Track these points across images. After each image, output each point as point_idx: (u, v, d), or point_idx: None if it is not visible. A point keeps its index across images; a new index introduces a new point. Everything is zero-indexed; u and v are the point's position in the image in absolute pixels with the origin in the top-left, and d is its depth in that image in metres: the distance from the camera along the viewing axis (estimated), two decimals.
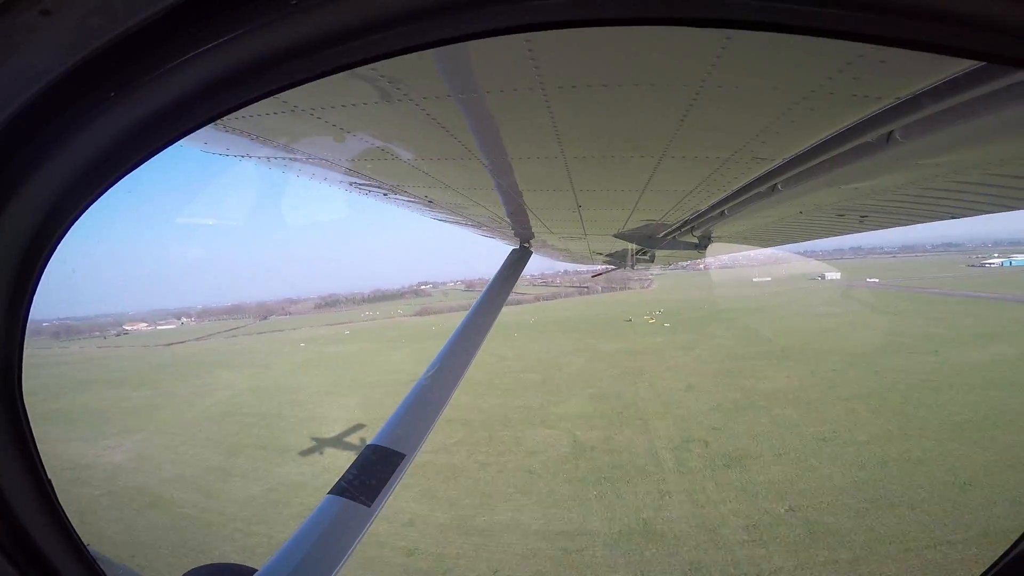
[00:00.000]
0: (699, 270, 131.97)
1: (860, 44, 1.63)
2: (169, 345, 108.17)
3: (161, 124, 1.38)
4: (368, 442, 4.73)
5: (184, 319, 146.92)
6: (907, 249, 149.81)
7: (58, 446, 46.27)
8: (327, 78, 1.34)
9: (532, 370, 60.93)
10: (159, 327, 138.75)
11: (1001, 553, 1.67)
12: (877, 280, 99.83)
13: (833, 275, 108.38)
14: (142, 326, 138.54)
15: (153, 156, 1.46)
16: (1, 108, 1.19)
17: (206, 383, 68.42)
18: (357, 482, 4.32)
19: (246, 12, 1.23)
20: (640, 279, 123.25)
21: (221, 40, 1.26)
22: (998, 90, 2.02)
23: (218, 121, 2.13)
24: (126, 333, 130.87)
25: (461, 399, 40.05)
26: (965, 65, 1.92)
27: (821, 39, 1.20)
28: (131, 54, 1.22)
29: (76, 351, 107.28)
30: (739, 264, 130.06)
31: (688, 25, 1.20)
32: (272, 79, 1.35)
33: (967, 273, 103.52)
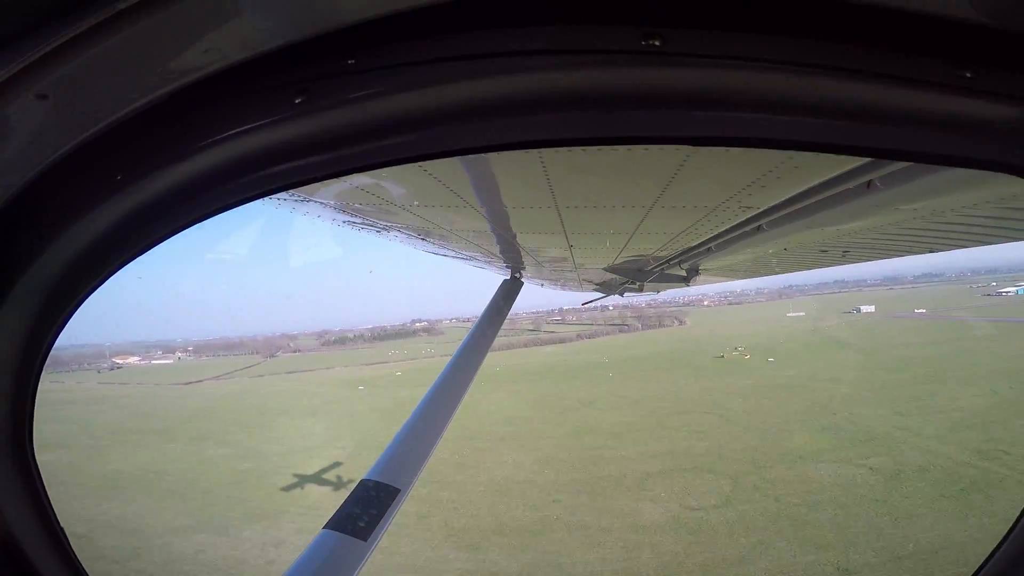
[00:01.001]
0: (724, 305, 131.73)
1: None
2: (188, 384, 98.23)
3: (167, 212, 1.40)
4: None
5: (179, 353, 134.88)
6: (890, 280, 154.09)
7: (177, 541, 36.32)
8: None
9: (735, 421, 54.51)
10: (154, 361, 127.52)
11: (991, 551, 1.78)
12: (925, 311, 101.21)
13: (868, 308, 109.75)
14: (133, 359, 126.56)
15: (158, 244, 1.47)
16: (5, 188, 1.21)
17: (296, 435, 58.00)
18: (353, 517, 4.32)
19: (251, 107, 1.28)
20: (674, 316, 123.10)
21: (229, 132, 1.30)
22: None
23: None
24: (118, 367, 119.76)
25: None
26: None
27: None
28: (133, 140, 1.25)
29: (75, 386, 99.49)
30: (756, 300, 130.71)
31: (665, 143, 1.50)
32: (280, 177, 1.39)
33: (989, 302, 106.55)
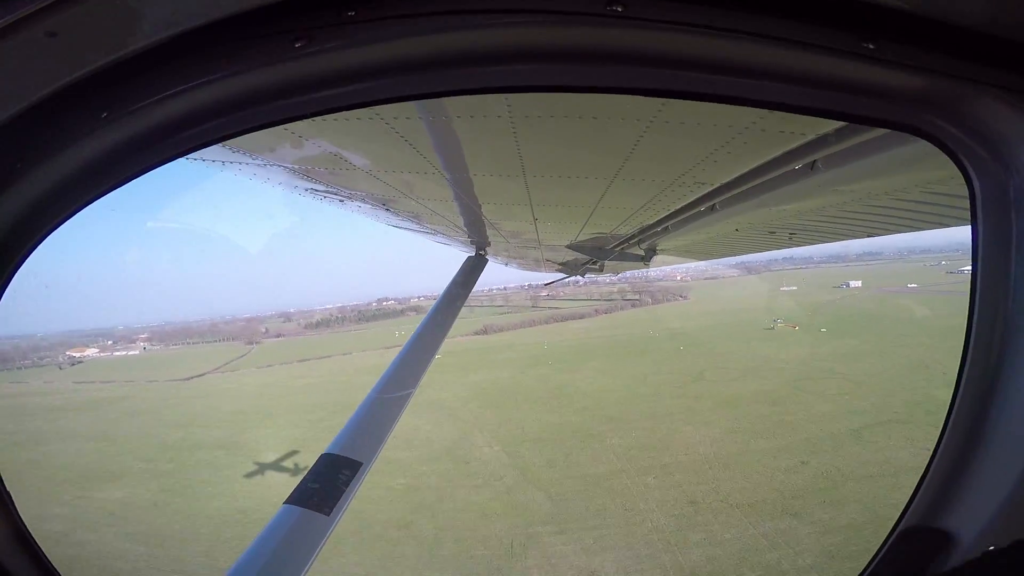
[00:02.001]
0: (703, 280, 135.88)
1: None
2: (188, 380, 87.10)
3: (146, 148, 1.50)
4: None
5: (142, 343, 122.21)
6: (833, 258, 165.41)
7: None
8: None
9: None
10: (116, 353, 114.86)
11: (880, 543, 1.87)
12: (917, 285, 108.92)
13: (856, 283, 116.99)
14: (91, 351, 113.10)
15: (137, 176, 1.57)
16: None
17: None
18: (314, 491, 4.35)
19: (243, 52, 1.39)
20: (676, 292, 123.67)
21: (214, 76, 1.40)
22: (892, 132, 2.48)
23: None
24: (79, 361, 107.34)
25: None
26: None
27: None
28: (125, 79, 1.33)
29: (45, 387, 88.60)
30: (729, 275, 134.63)
31: (636, 94, 1.64)
32: (258, 117, 1.52)
33: (958, 279, 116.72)
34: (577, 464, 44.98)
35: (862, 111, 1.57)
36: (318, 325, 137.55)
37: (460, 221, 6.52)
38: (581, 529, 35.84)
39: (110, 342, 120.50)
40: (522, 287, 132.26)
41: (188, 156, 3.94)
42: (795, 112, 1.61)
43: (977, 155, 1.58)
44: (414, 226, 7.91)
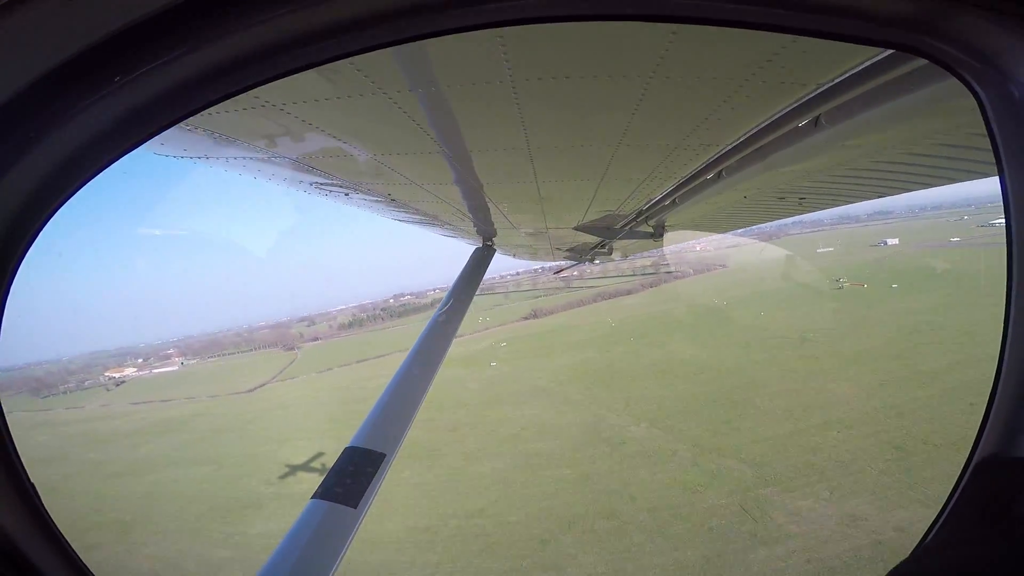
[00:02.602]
0: (725, 249, 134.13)
1: (782, 36, 2.12)
2: (251, 392, 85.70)
3: (156, 111, 1.48)
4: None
5: (179, 358, 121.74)
6: (843, 220, 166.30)
7: None
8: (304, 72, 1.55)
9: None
10: (155, 371, 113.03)
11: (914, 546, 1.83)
12: (959, 239, 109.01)
13: (893, 241, 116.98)
14: (130, 371, 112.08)
15: (145, 142, 1.56)
16: (11, 84, 1.25)
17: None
18: (340, 485, 4.41)
19: (240, 8, 1.35)
20: (715, 262, 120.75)
21: (214, 34, 1.38)
22: (903, 75, 2.48)
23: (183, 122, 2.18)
24: (121, 381, 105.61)
25: None
26: (874, 54, 2.37)
27: (749, 33, 1.69)
28: (141, 42, 1.31)
29: (106, 410, 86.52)
30: (783, 236, 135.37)
31: (643, 20, 1.69)
32: (259, 71, 1.49)
33: (992, 232, 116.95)
34: (749, 429, 43.90)
35: (854, 31, 1.58)
36: (350, 325, 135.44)
37: (465, 207, 6.52)
38: (806, 484, 34.98)
39: (139, 360, 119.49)
40: (542, 270, 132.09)
41: (184, 153, 3.90)
42: (790, 33, 1.60)
43: (975, 69, 1.57)
44: (420, 218, 7.90)
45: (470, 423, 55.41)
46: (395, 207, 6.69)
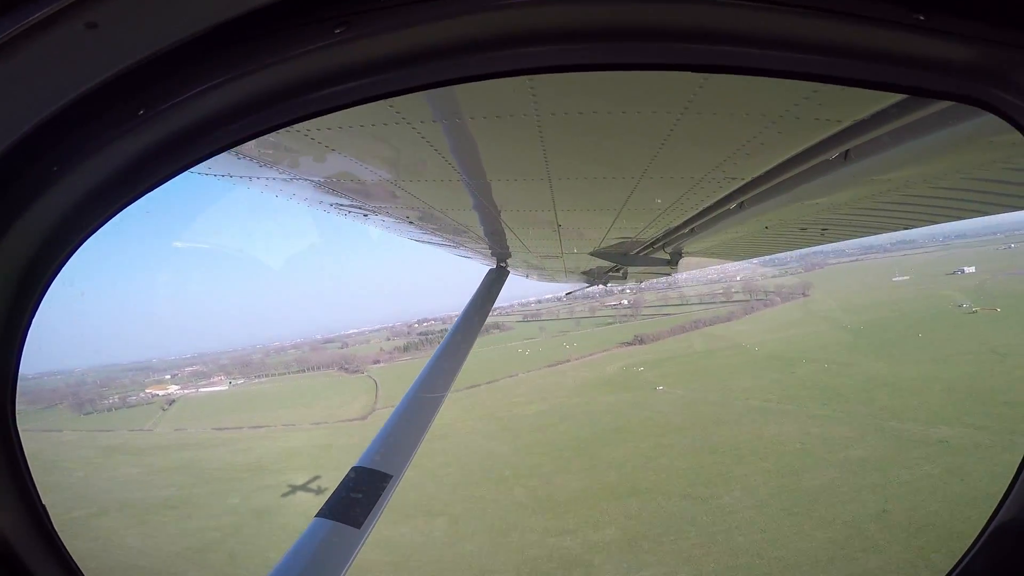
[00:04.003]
0: (820, 269, 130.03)
1: None
2: (364, 419, 74.60)
3: (185, 145, 1.47)
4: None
5: (221, 376, 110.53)
6: (866, 249, 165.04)
7: None
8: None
9: None
10: (202, 390, 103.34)
11: (978, 532, 1.81)
12: None
13: (970, 269, 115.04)
14: (173, 388, 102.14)
15: (175, 176, 1.54)
16: (34, 114, 1.24)
17: None
18: (345, 504, 4.39)
19: (283, 40, 1.38)
20: (798, 291, 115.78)
21: (254, 67, 1.39)
22: (937, 111, 2.44)
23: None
24: (172, 401, 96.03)
25: None
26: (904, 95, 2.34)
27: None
28: (164, 74, 1.31)
29: (188, 436, 75.54)
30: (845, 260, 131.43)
31: (676, 70, 1.62)
32: (295, 109, 1.49)
33: None
34: None
35: (915, 82, 1.53)
36: (407, 349, 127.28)
37: (481, 231, 6.56)
38: None
39: (167, 375, 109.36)
40: (594, 297, 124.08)
41: (208, 171, 3.77)
42: (846, 84, 1.56)
43: None
44: (436, 239, 7.93)
45: (733, 443, 49.41)
46: (412, 228, 6.71)
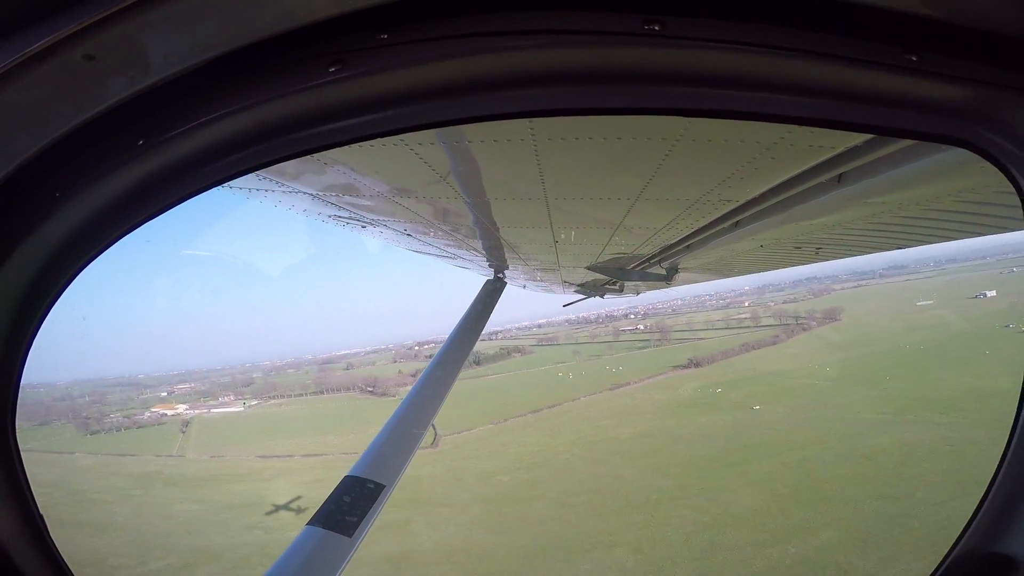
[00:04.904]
0: (851, 289, 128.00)
1: None
2: (437, 447, 67.82)
3: (183, 176, 1.49)
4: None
5: (235, 397, 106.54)
6: (857, 275, 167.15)
7: None
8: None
9: None
10: (214, 410, 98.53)
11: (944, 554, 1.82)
12: None
13: (991, 293, 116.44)
14: (181, 408, 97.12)
15: (176, 205, 1.55)
16: (35, 141, 1.27)
17: None
18: (337, 513, 4.37)
19: (278, 76, 1.39)
20: (828, 314, 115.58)
21: (250, 102, 1.41)
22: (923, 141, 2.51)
23: None
24: (187, 422, 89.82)
25: None
26: None
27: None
28: (162, 105, 1.34)
29: (226, 462, 69.25)
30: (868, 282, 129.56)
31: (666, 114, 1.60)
32: (293, 144, 1.51)
33: None
34: None
35: (907, 124, 1.55)
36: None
37: (479, 245, 6.64)
38: None
39: (163, 392, 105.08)
40: (600, 318, 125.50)
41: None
42: (839, 128, 1.58)
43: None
44: (434, 251, 7.99)
45: (881, 451, 47.71)
46: (410, 240, 6.79)
